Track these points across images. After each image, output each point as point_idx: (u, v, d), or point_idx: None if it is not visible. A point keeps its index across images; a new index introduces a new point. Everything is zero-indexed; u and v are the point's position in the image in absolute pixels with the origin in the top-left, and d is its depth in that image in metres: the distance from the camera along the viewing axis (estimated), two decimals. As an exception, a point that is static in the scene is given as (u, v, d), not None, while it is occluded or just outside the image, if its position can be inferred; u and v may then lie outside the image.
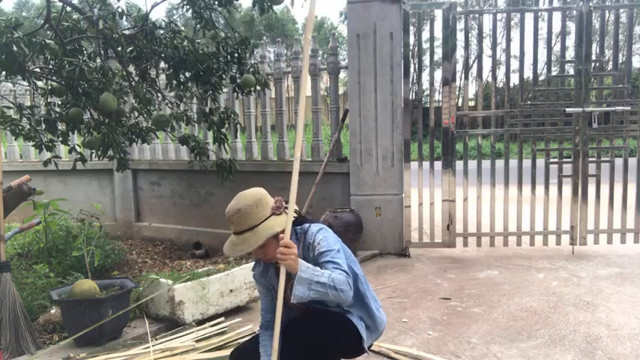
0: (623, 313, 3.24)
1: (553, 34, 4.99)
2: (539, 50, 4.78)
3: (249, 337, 2.36)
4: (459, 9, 4.72)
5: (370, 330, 2.04)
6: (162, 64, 3.96)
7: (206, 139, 5.52)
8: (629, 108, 4.60)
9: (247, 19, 29.34)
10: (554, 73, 5.38)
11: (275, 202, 1.95)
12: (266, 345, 2.03)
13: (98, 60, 3.61)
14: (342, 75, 5.31)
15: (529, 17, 4.72)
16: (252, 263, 3.68)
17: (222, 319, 3.23)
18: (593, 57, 5.09)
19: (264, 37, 29.91)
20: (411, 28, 5.74)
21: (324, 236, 1.92)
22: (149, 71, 3.92)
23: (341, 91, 7.33)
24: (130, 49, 3.61)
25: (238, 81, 4.08)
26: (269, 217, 1.90)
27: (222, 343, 2.86)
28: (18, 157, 6.84)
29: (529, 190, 4.76)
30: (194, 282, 3.24)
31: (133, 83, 3.78)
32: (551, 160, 4.78)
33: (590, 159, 4.70)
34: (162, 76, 4.18)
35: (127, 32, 3.59)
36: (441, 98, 5.93)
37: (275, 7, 3.79)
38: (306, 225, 1.99)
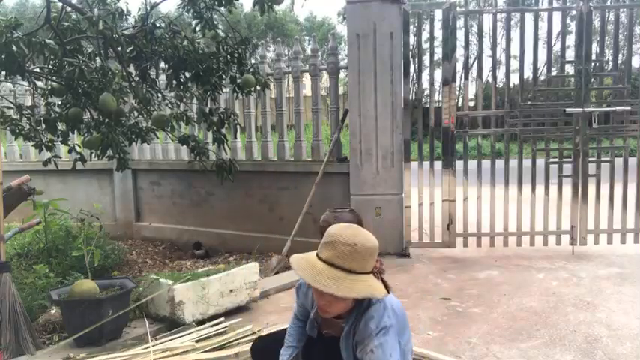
0: (623, 313, 3.24)
1: (553, 34, 4.98)
2: (539, 50, 4.78)
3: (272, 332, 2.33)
4: (458, 9, 4.72)
5: None
6: (162, 64, 3.96)
7: (206, 139, 5.51)
8: (629, 108, 4.60)
9: (248, 19, 29.35)
10: (554, 73, 5.37)
11: (377, 261, 1.68)
12: (290, 342, 1.99)
13: (98, 60, 3.61)
14: (342, 75, 5.31)
15: (529, 17, 4.72)
16: (253, 264, 3.69)
17: (222, 319, 3.23)
18: (593, 57, 5.09)
19: (267, 38, 29.91)
20: (411, 28, 5.74)
21: (380, 342, 1.62)
22: (149, 71, 3.91)
23: (341, 91, 7.33)
24: (130, 49, 3.60)
25: (238, 81, 4.08)
26: (369, 273, 1.63)
27: (222, 343, 2.86)
28: (18, 157, 6.84)
29: (529, 190, 4.76)
30: (194, 282, 3.24)
31: (133, 83, 3.78)
32: (551, 160, 4.77)
33: (590, 159, 4.70)
34: (163, 76, 4.18)
35: (127, 32, 3.59)
36: (441, 98, 5.93)
37: (276, 7, 3.80)
38: (369, 301, 1.69)
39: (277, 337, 2.11)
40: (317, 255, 1.65)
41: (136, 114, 4.26)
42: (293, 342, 2.01)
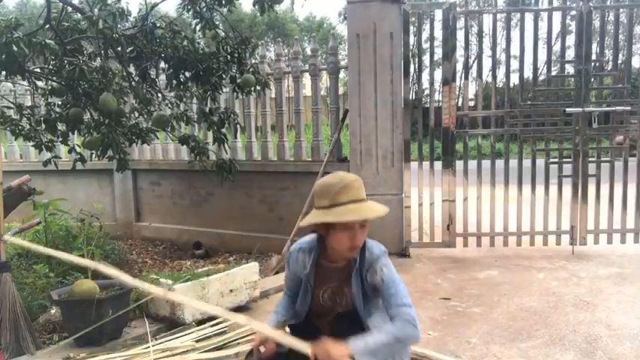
0: (623, 313, 3.24)
1: (553, 34, 4.99)
2: (539, 50, 4.78)
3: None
4: (458, 9, 4.72)
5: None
6: (162, 64, 3.96)
7: (206, 139, 5.51)
8: (629, 108, 4.60)
9: (249, 18, 29.31)
10: (554, 73, 5.37)
11: None
12: (278, 310, 2.09)
13: (98, 60, 3.61)
14: (342, 75, 5.31)
15: (529, 17, 4.73)
16: (253, 264, 3.68)
17: (222, 319, 3.23)
18: (593, 57, 5.09)
19: (267, 38, 29.88)
20: (411, 28, 5.75)
21: (385, 263, 1.87)
22: (149, 71, 3.91)
23: (341, 91, 7.33)
24: (130, 49, 3.60)
25: (238, 81, 4.08)
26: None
27: (222, 343, 2.86)
28: (18, 157, 6.84)
29: (529, 190, 4.76)
30: (194, 282, 3.24)
31: (133, 83, 3.78)
32: (551, 160, 4.77)
33: (590, 159, 4.70)
34: (163, 76, 4.18)
35: (127, 32, 3.59)
36: (441, 98, 5.93)
37: (276, 7, 3.80)
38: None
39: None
40: (332, 205, 1.76)
41: (136, 114, 4.26)
42: (281, 310, 2.10)
